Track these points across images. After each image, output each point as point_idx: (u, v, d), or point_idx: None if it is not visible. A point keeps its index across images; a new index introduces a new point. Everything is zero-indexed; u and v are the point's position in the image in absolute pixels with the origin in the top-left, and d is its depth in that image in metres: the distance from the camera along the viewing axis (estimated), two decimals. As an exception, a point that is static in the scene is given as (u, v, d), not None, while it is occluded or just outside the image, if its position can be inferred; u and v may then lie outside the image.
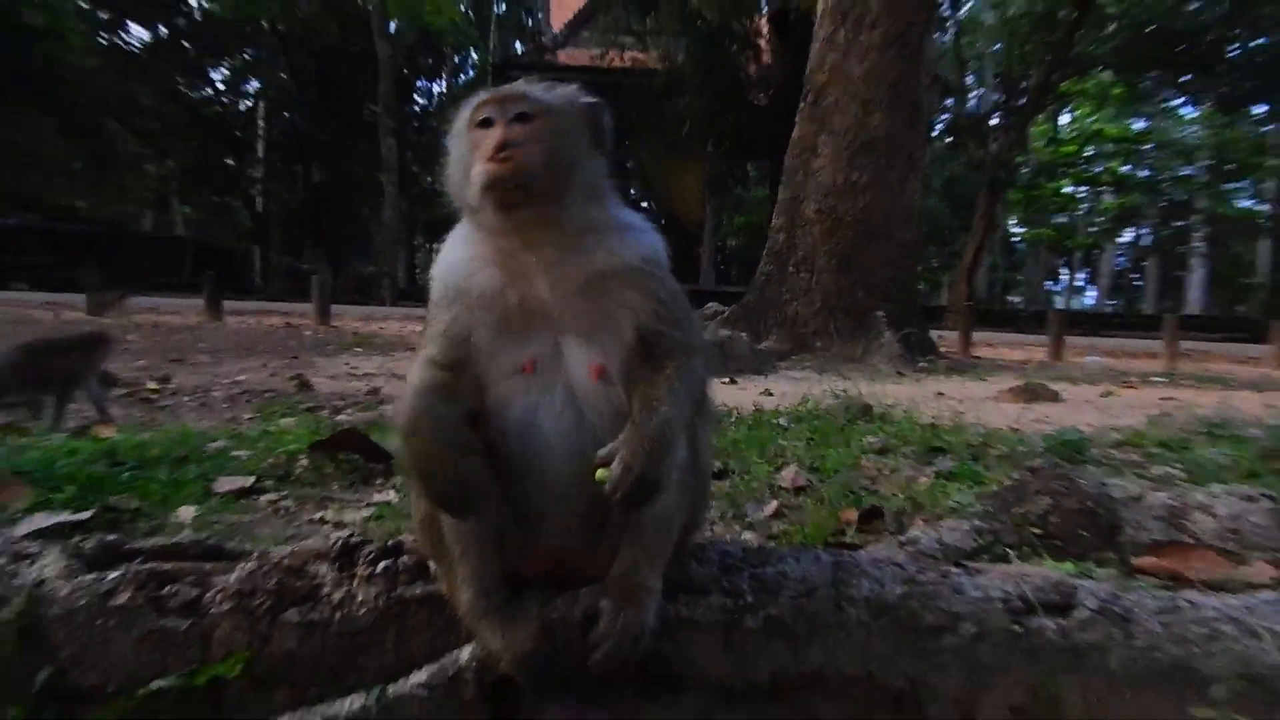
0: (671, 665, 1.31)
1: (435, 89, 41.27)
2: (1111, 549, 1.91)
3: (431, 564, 1.38)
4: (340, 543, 1.45)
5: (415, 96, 40.63)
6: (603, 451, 1.18)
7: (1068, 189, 37.95)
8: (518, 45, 37.22)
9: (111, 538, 1.53)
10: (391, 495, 2.47)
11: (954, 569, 1.45)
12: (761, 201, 26.75)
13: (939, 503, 2.38)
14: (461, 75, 39.84)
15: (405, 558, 1.42)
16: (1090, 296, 52.57)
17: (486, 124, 1.24)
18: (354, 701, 1.29)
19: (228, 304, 14.37)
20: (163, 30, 32.90)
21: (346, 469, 2.67)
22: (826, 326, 9.66)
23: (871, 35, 9.61)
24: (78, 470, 2.33)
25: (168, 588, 1.38)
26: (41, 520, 1.80)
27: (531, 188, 1.20)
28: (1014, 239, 44.12)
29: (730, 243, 35.13)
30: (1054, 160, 35.48)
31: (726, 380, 6.67)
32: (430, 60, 39.61)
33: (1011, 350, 13.76)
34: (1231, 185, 37.91)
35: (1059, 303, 47.07)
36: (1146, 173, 38.22)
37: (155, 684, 1.31)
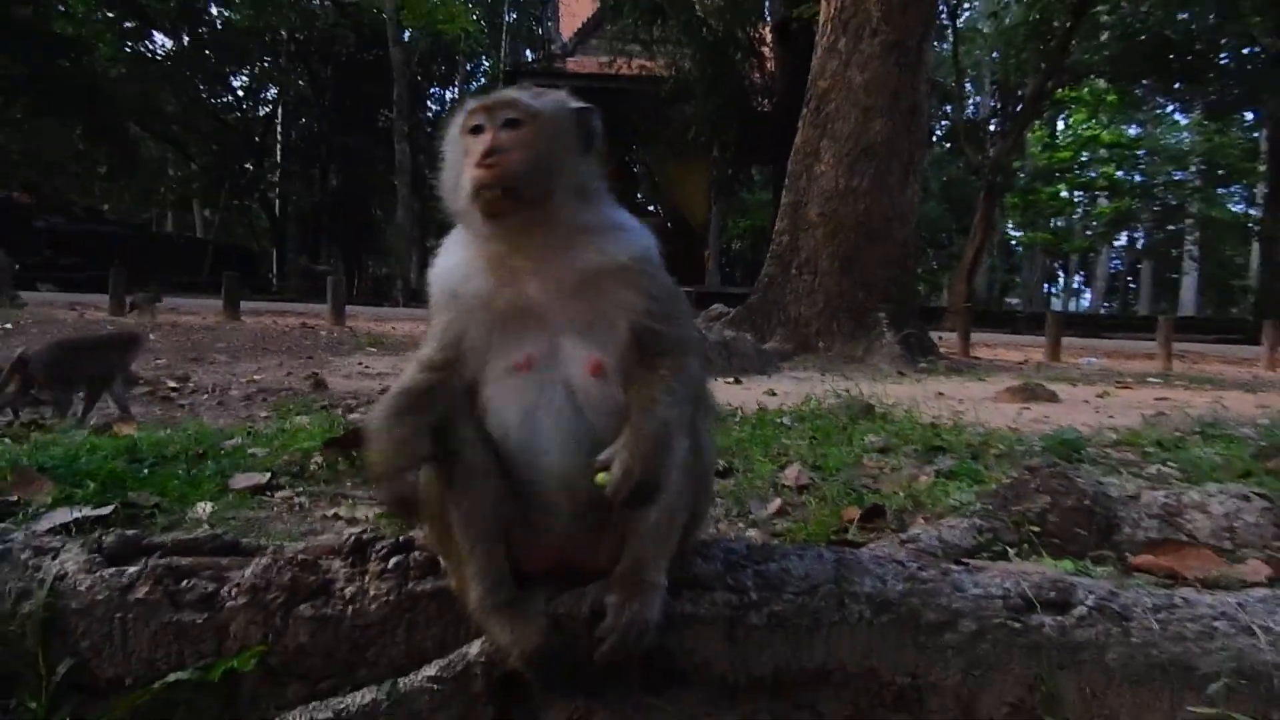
0: (676, 660, 1.32)
1: (448, 95, 41.52)
2: (1109, 547, 1.93)
3: (441, 560, 1.40)
4: (353, 538, 1.47)
5: (429, 102, 40.88)
6: (602, 455, 1.19)
7: (1064, 193, 38.11)
8: (528, 53, 37.46)
9: (130, 533, 1.55)
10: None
11: (954, 567, 1.47)
12: (765, 205, 26.70)
13: (939, 501, 2.40)
14: (473, 82, 39.86)
15: (416, 553, 1.43)
16: (1086, 299, 52.71)
17: (478, 130, 1.26)
18: (365, 695, 1.31)
19: (246, 304, 14.40)
20: (186, 39, 33.44)
21: (360, 466, 2.67)
22: (829, 327, 9.71)
23: (872, 44, 9.69)
24: (99, 467, 2.36)
25: (185, 582, 1.40)
26: (63, 515, 1.82)
27: (518, 192, 1.21)
28: (1012, 242, 44.12)
29: (735, 245, 35.03)
30: (1050, 165, 35.64)
31: (731, 380, 6.69)
32: (443, 67, 39.85)
33: (1010, 351, 13.79)
34: (1223, 190, 38.01)
35: (1056, 305, 47.08)
36: (1140, 178, 38.25)
37: (172, 676, 1.33)
